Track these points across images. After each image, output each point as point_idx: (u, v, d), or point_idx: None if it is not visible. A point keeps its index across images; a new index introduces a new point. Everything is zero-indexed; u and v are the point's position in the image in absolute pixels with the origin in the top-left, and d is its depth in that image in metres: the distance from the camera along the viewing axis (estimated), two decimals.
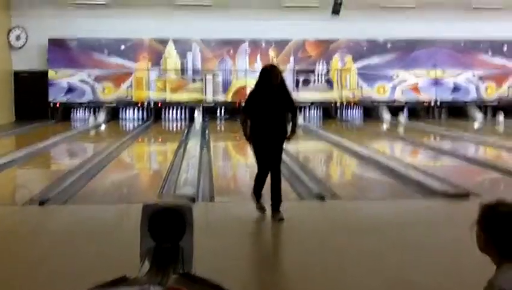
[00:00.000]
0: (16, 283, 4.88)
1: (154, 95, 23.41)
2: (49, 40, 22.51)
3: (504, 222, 2.50)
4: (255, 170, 7.52)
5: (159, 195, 8.92)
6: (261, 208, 7.38)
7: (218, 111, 23.72)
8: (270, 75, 7.34)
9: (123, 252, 4.34)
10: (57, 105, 22.84)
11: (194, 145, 14.81)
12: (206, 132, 18.89)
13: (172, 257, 4.02)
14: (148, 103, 23.34)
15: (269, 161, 7.24)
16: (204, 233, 6.05)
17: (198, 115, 22.80)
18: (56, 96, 22.79)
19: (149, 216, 4.32)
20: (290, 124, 7.61)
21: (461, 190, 8.57)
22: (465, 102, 24.35)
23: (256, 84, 7.53)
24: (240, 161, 13.66)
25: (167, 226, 4.28)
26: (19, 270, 5.31)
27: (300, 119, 22.76)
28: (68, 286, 4.33)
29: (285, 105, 7.48)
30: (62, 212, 7.87)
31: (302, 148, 16.03)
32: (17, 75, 22.84)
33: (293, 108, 7.63)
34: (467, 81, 24.36)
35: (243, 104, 7.96)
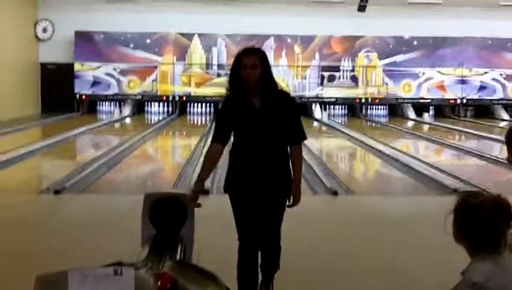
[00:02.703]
0: (20, 268, 4.94)
1: (179, 89, 23.50)
2: (76, 32, 22.71)
3: (472, 213, 2.48)
4: None
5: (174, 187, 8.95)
6: None
7: None
8: (239, 68, 4.05)
9: (130, 241, 4.37)
10: (83, 97, 23.05)
11: None
12: None
13: (171, 244, 4.07)
14: (173, 97, 23.44)
15: (258, 231, 4.17)
16: (214, 225, 6.09)
17: None
18: (82, 89, 22.99)
19: (150, 205, 4.38)
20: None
21: (473, 189, 8.46)
22: (492, 101, 24.08)
23: (229, 88, 4.19)
24: None
25: (168, 214, 4.33)
26: (24, 257, 5.39)
27: (324, 116, 22.83)
28: None
29: (280, 126, 4.08)
30: (75, 201, 7.96)
31: (324, 145, 16.02)
32: (44, 67, 23.12)
33: (294, 133, 4.15)
34: (494, 80, 24.09)
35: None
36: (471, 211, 2.48)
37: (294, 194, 4.14)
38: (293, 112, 4.14)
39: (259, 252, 4.25)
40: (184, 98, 23.49)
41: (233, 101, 4.13)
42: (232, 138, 4.18)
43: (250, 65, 4.00)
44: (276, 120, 4.05)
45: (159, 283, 2.72)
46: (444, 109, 24.20)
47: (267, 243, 4.24)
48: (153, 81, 23.41)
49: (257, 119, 4.04)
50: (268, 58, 4.15)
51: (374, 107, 24.25)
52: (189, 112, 23.50)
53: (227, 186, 4.20)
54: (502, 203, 2.48)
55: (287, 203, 4.15)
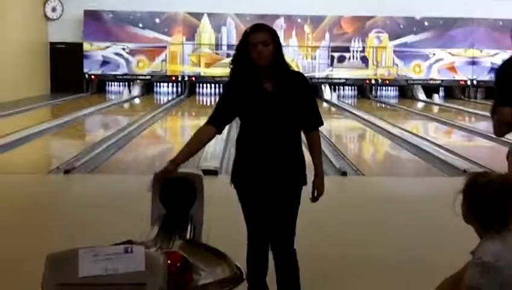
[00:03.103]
0: (30, 247, 4.96)
1: (188, 70, 23.46)
2: (85, 12, 22.66)
3: (481, 192, 2.47)
4: None
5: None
6: None
7: None
8: (248, 47, 3.56)
9: (139, 221, 4.37)
10: (92, 77, 23.05)
11: None
12: None
13: (180, 223, 4.06)
14: (182, 78, 23.40)
15: (268, 229, 3.72)
16: (223, 205, 6.07)
17: None
18: (91, 69, 23.00)
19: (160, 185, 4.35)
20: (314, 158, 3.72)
21: (482, 170, 8.44)
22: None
23: (232, 68, 3.75)
24: None
25: (177, 194, 4.32)
26: (33, 237, 5.42)
27: (334, 97, 22.74)
28: None
29: (295, 112, 3.59)
30: (85, 181, 7.98)
31: (333, 126, 15.96)
32: (53, 46, 23.08)
33: (311, 118, 3.67)
34: None
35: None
36: (480, 190, 2.48)
37: (318, 186, 3.67)
38: (309, 95, 3.64)
39: (274, 261, 3.78)
40: (193, 79, 23.45)
41: (241, 84, 3.64)
42: (239, 125, 3.75)
43: (261, 41, 3.50)
44: (291, 105, 3.55)
45: (169, 262, 2.73)
46: (454, 91, 24.08)
47: (280, 242, 3.69)
48: (162, 61, 23.38)
49: (270, 105, 3.54)
50: (281, 39, 3.74)
51: (384, 88, 24.15)
52: (199, 93, 23.46)
53: (234, 177, 3.75)
54: (510, 182, 2.49)
55: (309, 197, 3.71)
